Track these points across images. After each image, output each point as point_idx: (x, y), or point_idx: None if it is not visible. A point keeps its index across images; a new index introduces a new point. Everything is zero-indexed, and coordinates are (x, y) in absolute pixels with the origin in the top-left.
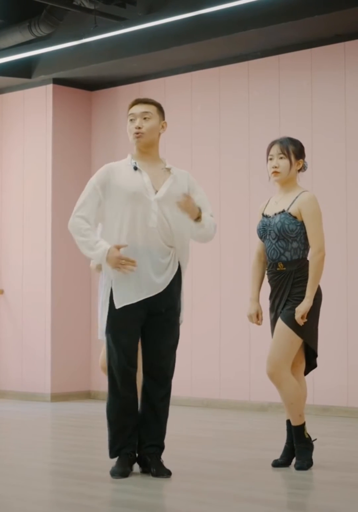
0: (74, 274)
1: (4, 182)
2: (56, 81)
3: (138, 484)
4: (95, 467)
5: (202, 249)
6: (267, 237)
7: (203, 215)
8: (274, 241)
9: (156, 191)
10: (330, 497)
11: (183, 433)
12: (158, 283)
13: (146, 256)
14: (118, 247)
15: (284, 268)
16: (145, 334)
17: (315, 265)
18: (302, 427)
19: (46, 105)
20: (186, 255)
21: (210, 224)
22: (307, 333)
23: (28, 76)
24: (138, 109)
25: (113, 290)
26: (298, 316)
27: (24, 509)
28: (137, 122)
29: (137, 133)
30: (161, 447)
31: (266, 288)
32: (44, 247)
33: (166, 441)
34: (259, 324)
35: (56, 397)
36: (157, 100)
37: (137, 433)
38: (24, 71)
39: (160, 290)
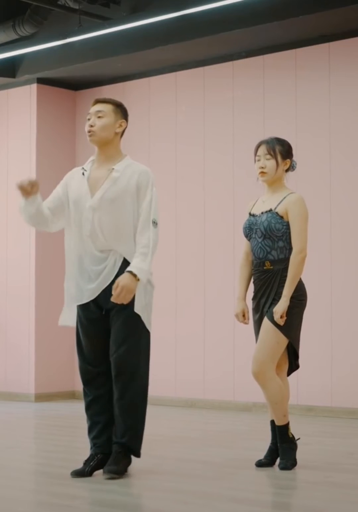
0: (59, 273)
1: None
2: (40, 81)
3: (121, 484)
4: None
5: (186, 248)
6: (253, 236)
7: (137, 271)
8: (260, 240)
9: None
10: (314, 496)
11: (166, 433)
12: (91, 289)
13: (77, 264)
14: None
15: (271, 267)
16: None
17: (295, 265)
18: (286, 427)
19: (30, 104)
20: (133, 252)
21: (146, 263)
22: (293, 333)
23: (12, 75)
24: (94, 108)
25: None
26: (277, 316)
27: (6, 509)
28: (91, 121)
29: (89, 132)
30: (124, 445)
31: (252, 288)
32: (28, 246)
33: (150, 440)
34: (245, 323)
35: (40, 397)
36: (142, 99)
37: (107, 434)
38: (8, 71)
39: (95, 296)
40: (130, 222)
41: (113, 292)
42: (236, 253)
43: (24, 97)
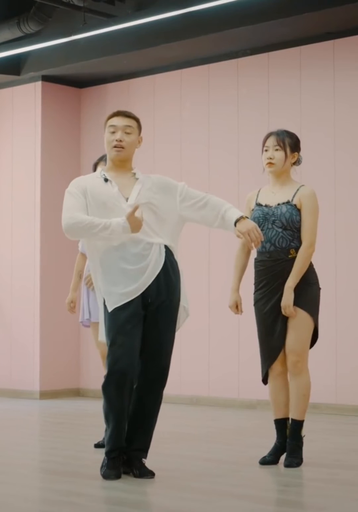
0: (63, 271)
1: None
2: (45, 78)
3: (126, 481)
4: (83, 464)
5: (191, 246)
6: (269, 226)
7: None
8: (280, 230)
9: (127, 199)
10: (319, 494)
11: (171, 430)
12: (141, 281)
13: (120, 261)
14: (132, 212)
15: (296, 255)
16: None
17: (304, 259)
18: (301, 423)
19: (35, 102)
20: (174, 243)
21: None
22: (317, 317)
23: (17, 73)
24: (121, 121)
25: (104, 295)
26: (289, 311)
27: (12, 506)
28: (119, 135)
29: (117, 147)
30: (146, 450)
31: (248, 278)
32: (33, 243)
33: (154, 438)
34: (239, 313)
35: (45, 395)
36: (147, 97)
37: (125, 436)
38: (13, 68)
39: (147, 286)
40: (167, 217)
41: (251, 234)
42: None
43: (29, 95)
